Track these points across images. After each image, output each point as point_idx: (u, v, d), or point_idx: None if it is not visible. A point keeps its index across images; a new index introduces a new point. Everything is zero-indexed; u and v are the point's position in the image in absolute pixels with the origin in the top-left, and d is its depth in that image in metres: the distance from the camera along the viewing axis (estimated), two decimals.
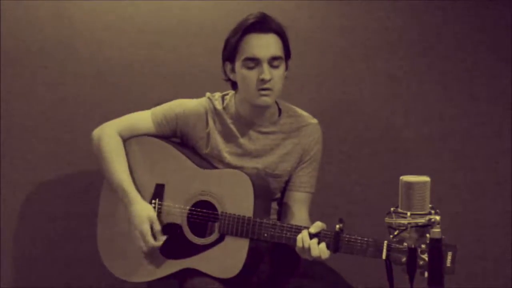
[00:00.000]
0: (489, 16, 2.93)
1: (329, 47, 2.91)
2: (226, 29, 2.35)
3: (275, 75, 2.28)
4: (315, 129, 2.44)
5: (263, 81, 2.27)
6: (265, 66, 2.27)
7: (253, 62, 2.28)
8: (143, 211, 2.30)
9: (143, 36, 2.81)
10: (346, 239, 2.10)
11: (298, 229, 2.17)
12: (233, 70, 2.34)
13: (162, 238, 2.30)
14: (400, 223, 1.89)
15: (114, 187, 2.36)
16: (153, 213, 2.31)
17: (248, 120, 2.39)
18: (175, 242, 2.31)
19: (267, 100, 2.30)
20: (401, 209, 1.88)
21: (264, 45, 2.27)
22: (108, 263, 2.40)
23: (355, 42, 2.92)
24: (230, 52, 2.31)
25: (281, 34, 2.31)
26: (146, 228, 2.28)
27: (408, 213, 1.86)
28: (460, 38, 2.93)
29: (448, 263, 1.98)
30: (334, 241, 2.10)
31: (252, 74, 2.28)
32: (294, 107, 2.46)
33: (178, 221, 2.32)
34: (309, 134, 2.42)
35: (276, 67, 2.29)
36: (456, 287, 2.74)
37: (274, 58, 2.28)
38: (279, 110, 2.43)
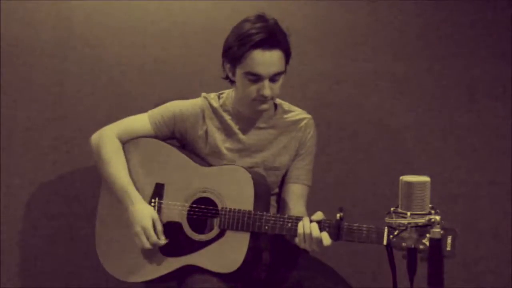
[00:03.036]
0: (489, 16, 2.92)
1: (329, 47, 2.91)
2: (227, 29, 2.34)
3: (275, 88, 2.30)
4: (310, 124, 2.47)
5: (263, 96, 2.29)
6: (266, 83, 2.28)
7: (255, 77, 2.28)
8: (145, 210, 2.31)
9: (143, 36, 2.81)
10: (347, 227, 2.11)
11: (299, 219, 2.18)
12: (233, 73, 2.34)
13: (164, 238, 2.31)
14: (400, 223, 1.90)
15: (115, 189, 2.37)
16: (155, 213, 2.32)
17: (247, 116, 2.41)
18: (175, 239, 2.31)
19: (265, 107, 2.34)
20: (401, 209, 1.88)
21: (268, 63, 2.26)
22: (106, 264, 2.40)
23: (355, 42, 2.92)
24: (232, 59, 2.30)
25: (286, 47, 2.30)
26: (149, 224, 2.29)
27: (408, 213, 1.87)
28: (460, 38, 2.93)
29: (448, 247, 1.96)
30: (335, 229, 2.12)
31: (253, 87, 2.29)
32: (287, 103, 2.49)
33: (178, 219, 2.32)
34: (304, 128, 2.45)
35: (277, 80, 2.29)
36: (456, 287, 2.75)
37: (276, 74, 2.28)
38: (275, 105, 2.45)
